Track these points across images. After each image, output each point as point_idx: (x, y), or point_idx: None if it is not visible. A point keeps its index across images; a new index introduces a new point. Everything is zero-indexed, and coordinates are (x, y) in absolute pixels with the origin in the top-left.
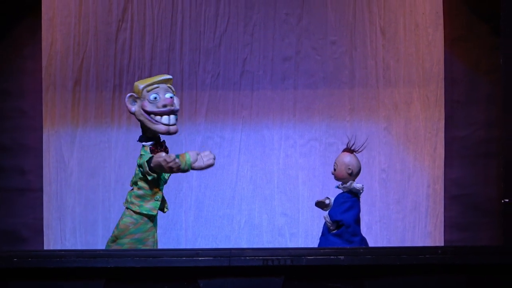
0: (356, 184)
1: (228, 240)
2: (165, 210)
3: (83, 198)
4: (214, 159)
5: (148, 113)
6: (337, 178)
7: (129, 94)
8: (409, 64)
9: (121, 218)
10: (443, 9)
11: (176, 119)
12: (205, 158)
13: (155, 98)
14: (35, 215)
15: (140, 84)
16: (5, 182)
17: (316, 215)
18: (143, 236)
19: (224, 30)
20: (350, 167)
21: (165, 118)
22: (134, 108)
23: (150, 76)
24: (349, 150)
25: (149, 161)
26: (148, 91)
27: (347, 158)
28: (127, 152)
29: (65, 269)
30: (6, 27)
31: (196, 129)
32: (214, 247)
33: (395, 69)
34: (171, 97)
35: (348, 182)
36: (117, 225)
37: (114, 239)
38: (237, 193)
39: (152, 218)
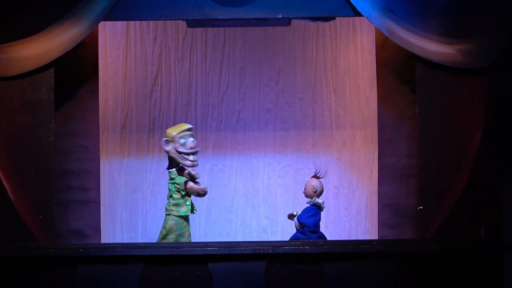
0: (318, 200)
1: (228, 236)
2: (194, 211)
3: (128, 208)
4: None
5: (180, 152)
6: (306, 195)
7: (164, 139)
8: (353, 113)
9: (165, 222)
10: (377, 76)
11: (197, 157)
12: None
13: (184, 142)
14: (95, 219)
15: (173, 132)
16: (74, 196)
17: (290, 220)
18: (182, 231)
19: (224, 91)
20: (315, 187)
21: (191, 157)
22: (168, 148)
23: (174, 123)
24: (315, 176)
25: (185, 183)
26: (179, 137)
27: (314, 182)
28: (159, 175)
29: (116, 256)
30: (73, 89)
31: (206, 159)
32: (218, 241)
33: (343, 117)
34: (193, 141)
35: (313, 198)
36: (164, 227)
37: (163, 237)
38: (234, 203)
39: (186, 218)
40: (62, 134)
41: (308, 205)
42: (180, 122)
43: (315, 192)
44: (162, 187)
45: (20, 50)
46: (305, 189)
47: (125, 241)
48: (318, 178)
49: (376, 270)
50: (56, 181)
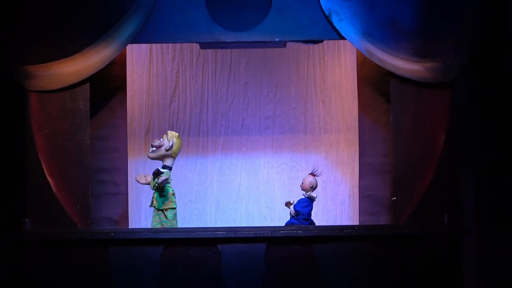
0: (313, 194)
1: (235, 222)
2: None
3: (151, 198)
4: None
5: None
6: (303, 189)
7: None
8: (338, 120)
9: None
10: (358, 89)
11: (152, 151)
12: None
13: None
14: (123, 208)
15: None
16: (106, 189)
17: (286, 208)
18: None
19: (231, 101)
20: (311, 183)
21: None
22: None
23: (189, 129)
24: (312, 174)
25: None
26: None
27: (311, 178)
28: (175, 171)
29: (141, 239)
30: (105, 100)
31: (216, 158)
32: (226, 226)
33: (330, 123)
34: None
35: (308, 192)
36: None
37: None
38: (239, 195)
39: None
40: (96, 137)
41: (304, 196)
42: (194, 128)
43: (311, 187)
44: (178, 181)
45: (61, 68)
46: (302, 183)
47: (149, 226)
48: (315, 175)
49: (357, 250)
50: (91, 177)
